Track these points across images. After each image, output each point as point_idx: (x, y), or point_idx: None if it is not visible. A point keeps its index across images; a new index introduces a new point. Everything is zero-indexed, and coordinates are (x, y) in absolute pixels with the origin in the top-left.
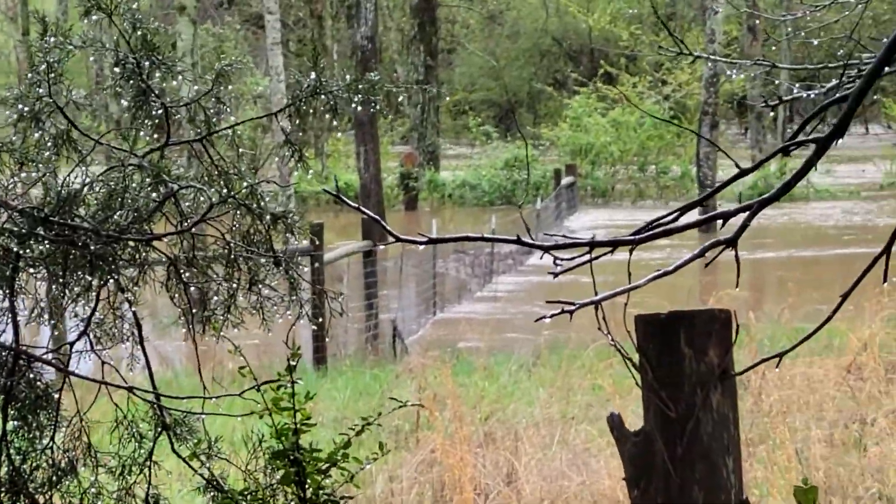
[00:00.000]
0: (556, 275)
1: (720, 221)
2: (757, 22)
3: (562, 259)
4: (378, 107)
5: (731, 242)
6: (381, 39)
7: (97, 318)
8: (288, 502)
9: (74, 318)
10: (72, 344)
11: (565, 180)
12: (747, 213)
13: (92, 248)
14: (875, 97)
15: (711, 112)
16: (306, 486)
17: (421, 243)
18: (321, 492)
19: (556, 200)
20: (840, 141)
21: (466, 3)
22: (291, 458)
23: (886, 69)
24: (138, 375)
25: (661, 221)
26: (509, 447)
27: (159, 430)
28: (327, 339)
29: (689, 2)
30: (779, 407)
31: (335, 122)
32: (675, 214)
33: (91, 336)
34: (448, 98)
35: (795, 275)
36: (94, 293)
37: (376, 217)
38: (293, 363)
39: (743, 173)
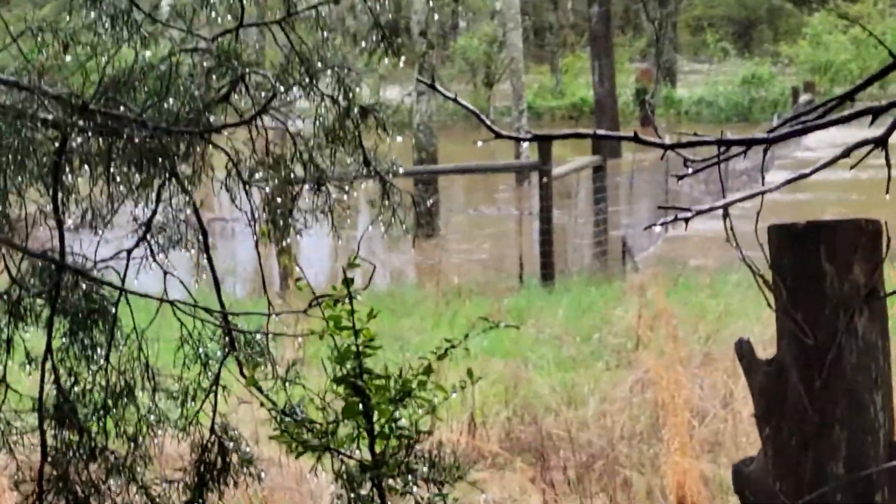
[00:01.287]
0: (679, 178)
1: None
2: None
3: (691, 160)
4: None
5: (881, 142)
6: None
7: (158, 222)
8: (358, 436)
9: (133, 222)
10: (129, 251)
11: (803, 98)
12: None
13: (136, 140)
14: None
15: None
16: (373, 419)
17: (526, 139)
18: (395, 424)
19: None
20: None
21: None
22: (353, 385)
23: None
24: (205, 289)
25: (803, 119)
26: (728, 368)
27: (226, 351)
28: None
29: None
30: None
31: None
32: (822, 110)
33: (151, 243)
34: (686, 14)
35: None
36: (152, 193)
37: (473, 109)
38: (350, 276)
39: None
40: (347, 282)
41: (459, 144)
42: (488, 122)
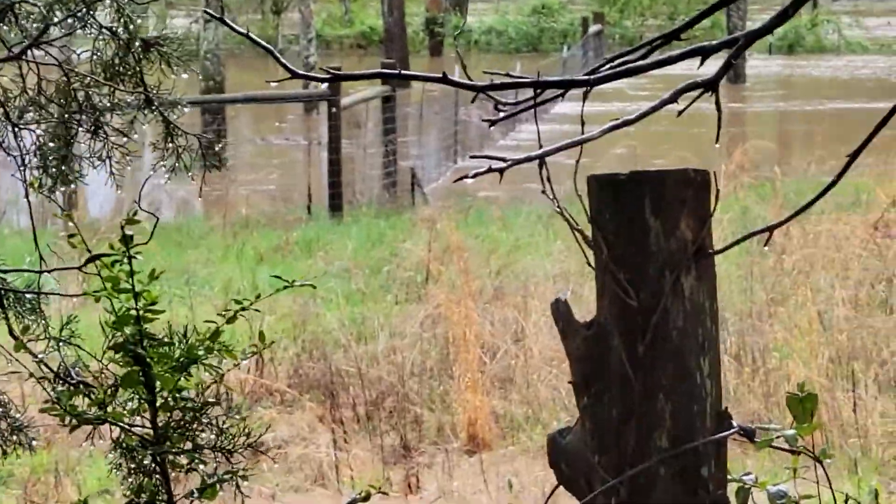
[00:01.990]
0: (491, 123)
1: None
2: None
3: (504, 104)
4: None
5: (711, 85)
6: None
7: None
8: (139, 406)
9: None
10: None
11: (592, 28)
12: (732, 49)
13: None
14: None
15: None
16: (156, 389)
17: (324, 80)
18: (179, 395)
19: (583, 49)
20: None
21: None
22: (133, 353)
23: None
24: None
25: (627, 59)
26: (519, 304)
27: None
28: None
29: None
30: (801, 266)
31: None
32: (644, 50)
33: None
34: None
35: (824, 128)
36: None
37: (268, 47)
38: (128, 232)
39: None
40: (125, 239)
41: (248, 73)
42: (283, 61)
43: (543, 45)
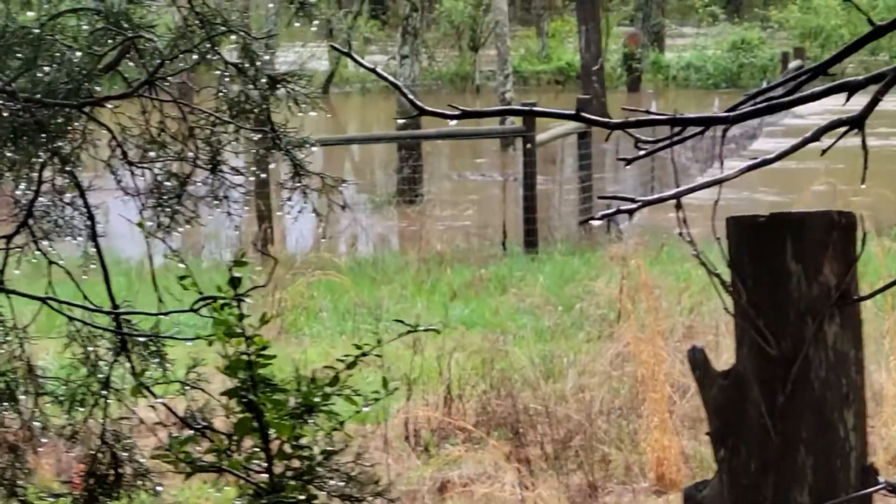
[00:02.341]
0: (628, 161)
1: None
2: None
3: (644, 141)
4: None
5: (857, 123)
6: None
7: (41, 205)
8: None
9: (13, 206)
10: (8, 238)
11: (793, 64)
12: (881, 83)
13: (4, 113)
14: None
15: None
16: (269, 436)
17: (452, 116)
18: (298, 442)
19: (784, 85)
20: None
21: None
22: (245, 399)
23: None
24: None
25: (770, 95)
26: (710, 342)
27: (118, 351)
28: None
29: None
30: None
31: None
32: (790, 85)
33: (33, 229)
34: None
35: None
36: (34, 174)
37: (395, 82)
38: (236, 275)
39: (877, 31)
40: (234, 282)
41: (445, 107)
42: (410, 96)
43: (743, 81)
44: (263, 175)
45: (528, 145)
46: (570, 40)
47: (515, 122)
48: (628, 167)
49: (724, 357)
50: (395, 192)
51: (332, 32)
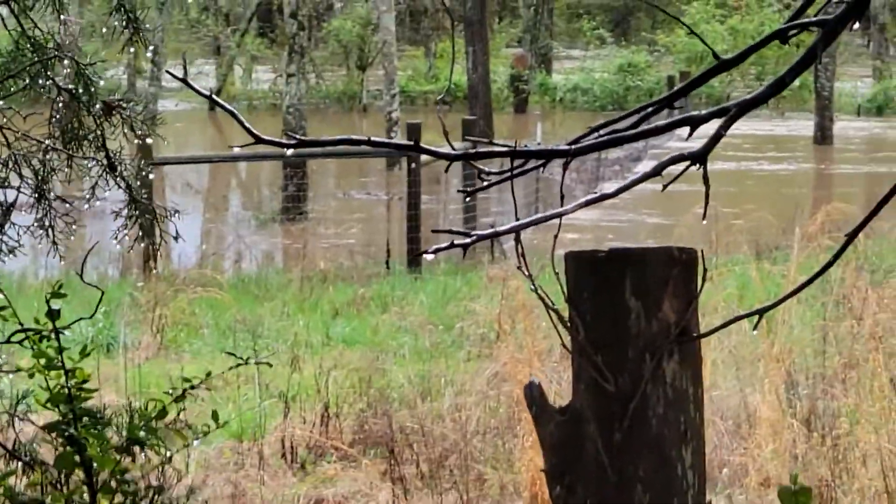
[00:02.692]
0: (467, 194)
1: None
2: None
3: (487, 173)
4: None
5: (699, 158)
6: None
7: None
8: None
9: None
10: None
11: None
12: (724, 118)
13: None
14: None
15: None
16: (93, 472)
17: (287, 145)
18: (122, 477)
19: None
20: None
21: None
22: (66, 433)
23: None
24: None
25: (613, 127)
26: None
27: None
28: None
29: None
30: (877, 331)
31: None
32: (635, 117)
33: None
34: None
35: None
36: None
37: (232, 110)
38: (55, 306)
39: (723, 66)
40: (52, 314)
41: (332, 127)
42: (247, 125)
43: (629, 104)
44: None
45: (413, 165)
46: (458, 60)
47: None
48: (513, 186)
49: None
50: (279, 209)
51: (220, 50)
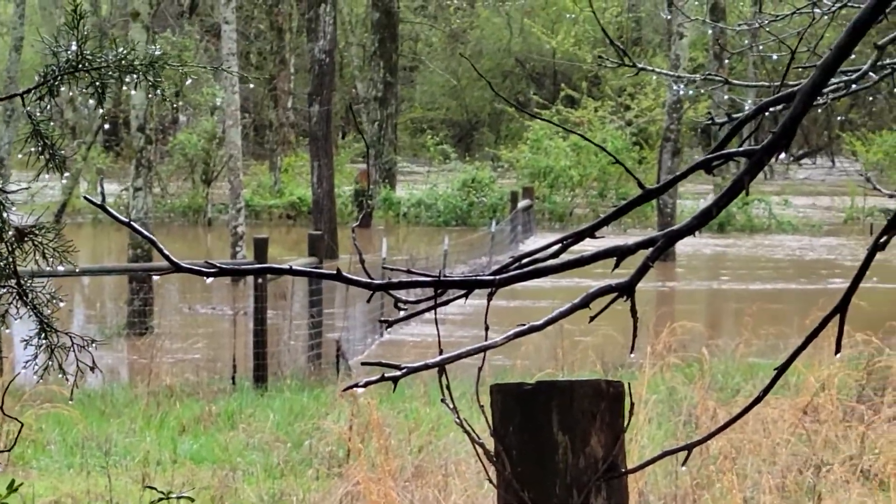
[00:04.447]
0: (389, 324)
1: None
2: (722, 48)
3: (404, 302)
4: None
5: (626, 290)
6: (342, 55)
7: None
8: None
9: None
10: None
11: (522, 203)
12: (650, 249)
13: None
14: (839, 132)
15: (674, 139)
16: None
17: (207, 273)
18: None
19: (512, 223)
20: (803, 173)
21: (429, 21)
22: None
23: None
24: None
25: (536, 257)
26: (439, 483)
27: None
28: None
29: (656, 27)
30: (728, 450)
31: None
32: (556, 248)
33: None
34: (407, 114)
35: (753, 308)
36: None
37: (151, 237)
38: None
39: (648, 195)
40: None
41: (178, 241)
42: (165, 252)
43: (472, 220)
44: None
45: (259, 280)
46: (303, 175)
47: (247, 257)
48: (359, 303)
49: (452, 498)
50: (124, 323)
51: (66, 163)
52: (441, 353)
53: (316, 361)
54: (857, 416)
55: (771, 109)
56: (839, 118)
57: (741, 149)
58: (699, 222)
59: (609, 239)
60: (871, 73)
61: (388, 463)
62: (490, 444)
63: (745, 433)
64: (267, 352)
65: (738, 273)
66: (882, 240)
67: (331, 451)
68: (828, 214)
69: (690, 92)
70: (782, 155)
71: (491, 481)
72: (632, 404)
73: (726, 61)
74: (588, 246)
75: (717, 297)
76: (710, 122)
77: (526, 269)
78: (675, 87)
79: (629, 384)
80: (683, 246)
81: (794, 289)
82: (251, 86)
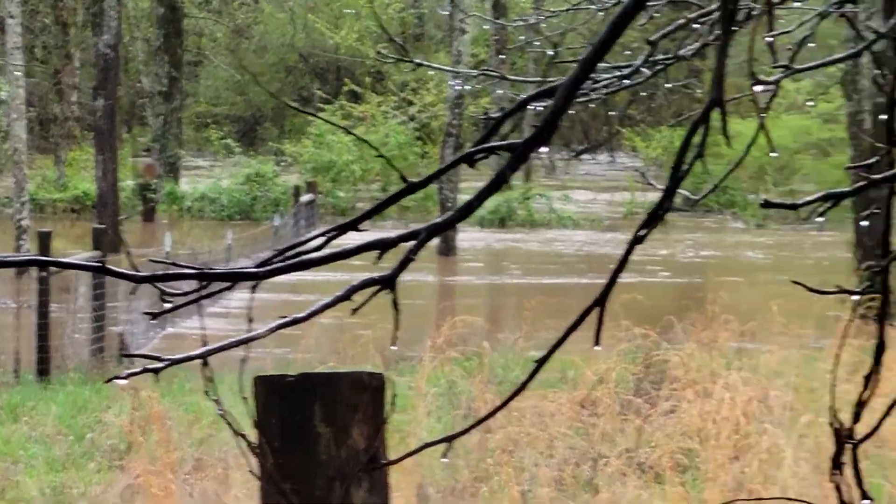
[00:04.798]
0: (154, 315)
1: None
2: (503, 44)
3: (171, 294)
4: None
5: (389, 282)
6: (128, 49)
7: None
8: None
9: None
10: None
11: (305, 197)
12: (413, 242)
13: None
14: (619, 128)
15: (456, 133)
16: None
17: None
18: None
19: (295, 217)
20: (584, 168)
21: (213, 16)
22: None
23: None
24: None
25: (300, 249)
26: (220, 476)
27: None
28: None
29: (438, 23)
30: (506, 444)
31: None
32: (322, 240)
33: None
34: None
35: (533, 302)
36: None
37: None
38: None
39: (411, 188)
40: None
41: None
42: None
43: (256, 214)
44: None
45: (43, 273)
46: (88, 169)
47: (31, 250)
48: (143, 297)
49: (233, 492)
50: None
51: None
52: (205, 344)
53: (99, 355)
54: (634, 409)
55: (534, 105)
56: (619, 114)
57: (503, 143)
58: (461, 215)
59: (374, 232)
60: (643, 69)
61: (168, 456)
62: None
63: (523, 427)
64: (50, 345)
65: (520, 267)
66: (641, 233)
67: (112, 444)
68: (608, 209)
69: (469, 87)
70: (564, 151)
71: (253, 473)
72: (394, 396)
73: (501, 56)
74: (353, 239)
75: (498, 292)
76: (485, 117)
77: (290, 262)
78: (453, 83)
79: (390, 377)
80: (463, 241)
81: (576, 283)
82: (36, 80)
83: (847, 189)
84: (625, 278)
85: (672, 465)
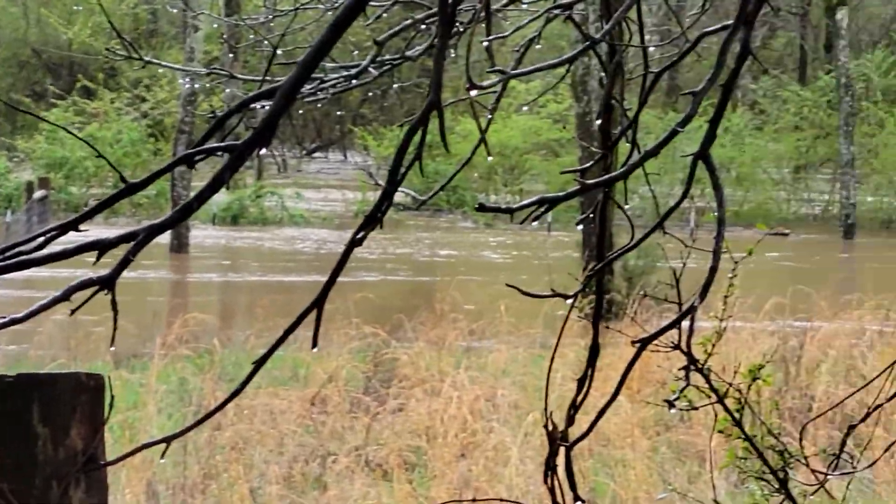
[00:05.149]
0: None
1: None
2: (234, 43)
3: None
4: None
5: (108, 283)
6: None
7: None
8: None
9: None
10: None
11: (38, 194)
12: (132, 243)
13: None
14: (351, 127)
15: (188, 131)
16: None
17: None
18: None
19: (28, 214)
20: (316, 166)
21: None
22: None
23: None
24: None
25: (21, 249)
26: None
27: None
28: None
29: (172, 19)
30: (236, 441)
31: None
32: (41, 240)
33: None
34: None
35: (265, 300)
36: None
37: None
38: None
39: (131, 188)
40: None
41: None
42: None
43: None
44: None
45: None
46: None
47: None
48: None
49: None
50: None
51: None
52: None
53: None
54: (363, 407)
55: (254, 105)
56: (351, 113)
57: (222, 144)
58: (180, 216)
59: (100, 230)
60: (371, 69)
61: None
62: None
63: (253, 424)
64: None
65: (253, 265)
66: (359, 236)
67: None
68: (340, 207)
69: (199, 85)
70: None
71: None
72: (112, 397)
73: (231, 55)
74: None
75: (231, 289)
76: (212, 115)
77: (10, 262)
78: (185, 81)
79: (109, 377)
80: (195, 238)
81: (308, 281)
82: None
83: (560, 194)
84: (362, 277)
85: (400, 463)
